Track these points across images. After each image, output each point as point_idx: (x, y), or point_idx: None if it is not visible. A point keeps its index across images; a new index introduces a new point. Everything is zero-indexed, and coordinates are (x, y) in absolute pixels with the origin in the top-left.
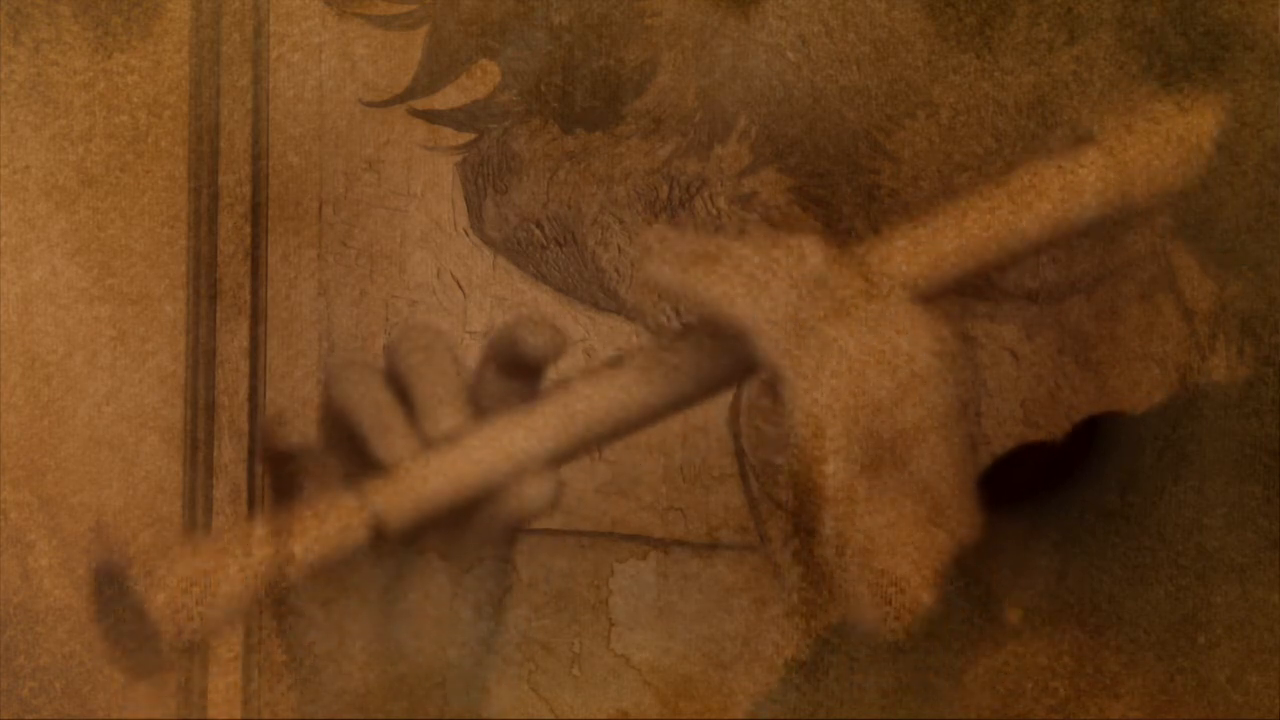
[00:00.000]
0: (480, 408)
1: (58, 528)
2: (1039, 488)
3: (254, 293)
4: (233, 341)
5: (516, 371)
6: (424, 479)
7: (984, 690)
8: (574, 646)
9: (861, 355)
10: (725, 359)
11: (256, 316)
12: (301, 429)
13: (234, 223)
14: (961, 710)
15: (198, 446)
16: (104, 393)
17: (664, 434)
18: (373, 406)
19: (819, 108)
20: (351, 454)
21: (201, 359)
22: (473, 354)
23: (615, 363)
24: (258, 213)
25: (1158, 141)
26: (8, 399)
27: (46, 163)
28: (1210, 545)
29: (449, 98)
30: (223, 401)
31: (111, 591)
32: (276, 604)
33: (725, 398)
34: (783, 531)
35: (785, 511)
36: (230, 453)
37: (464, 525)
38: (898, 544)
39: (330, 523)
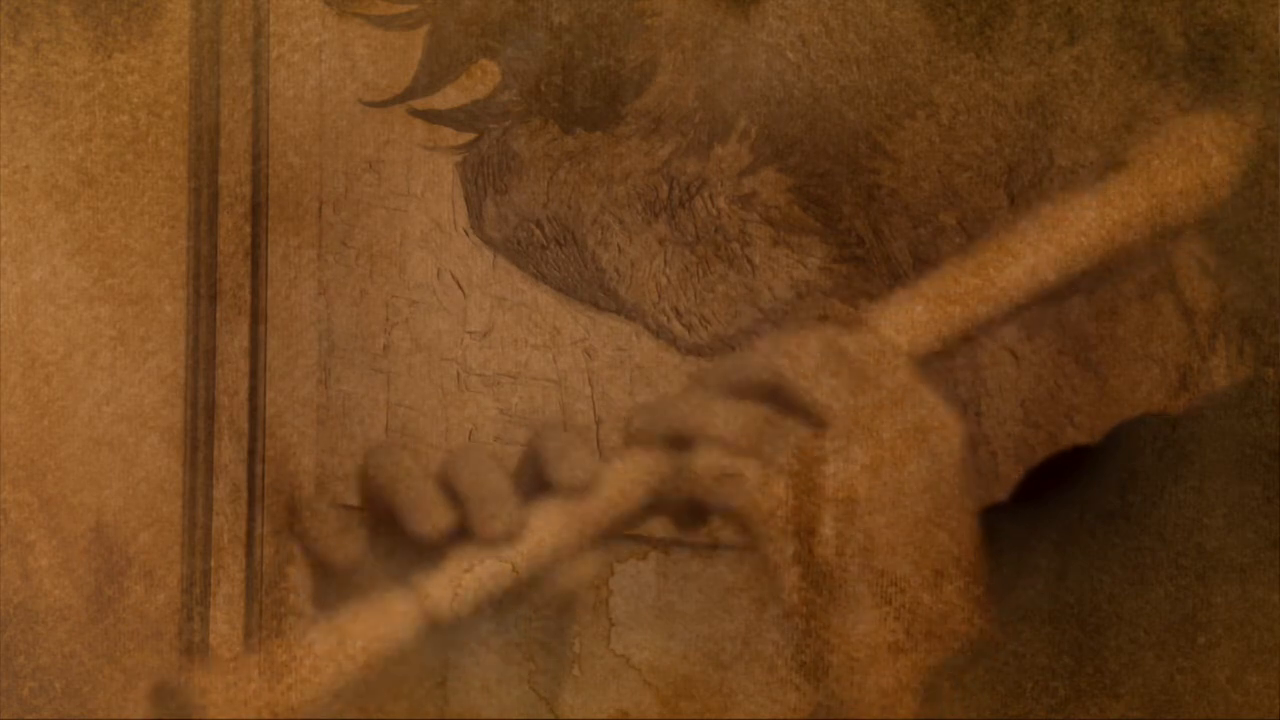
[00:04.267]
0: (527, 493)
1: (58, 528)
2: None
3: (254, 293)
4: (233, 341)
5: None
6: (475, 568)
7: (984, 690)
8: (574, 646)
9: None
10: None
11: (256, 316)
12: (350, 544)
13: (234, 223)
14: (961, 710)
15: (198, 446)
16: (104, 393)
17: None
18: (419, 502)
19: (819, 108)
20: (400, 546)
21: (201, 359)
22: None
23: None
24: (258, 213)
25: (1159, 143)
26: (8, 399)
27: (46, 163)
28: (1210, 545)
29: (449, 98)
30: (223, 401)
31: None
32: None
33: None
34: (783, 531)
35: (785, 511)
36: (230, 453)
37: (517, 607)
38: (897, 544)
39: (383, 621)
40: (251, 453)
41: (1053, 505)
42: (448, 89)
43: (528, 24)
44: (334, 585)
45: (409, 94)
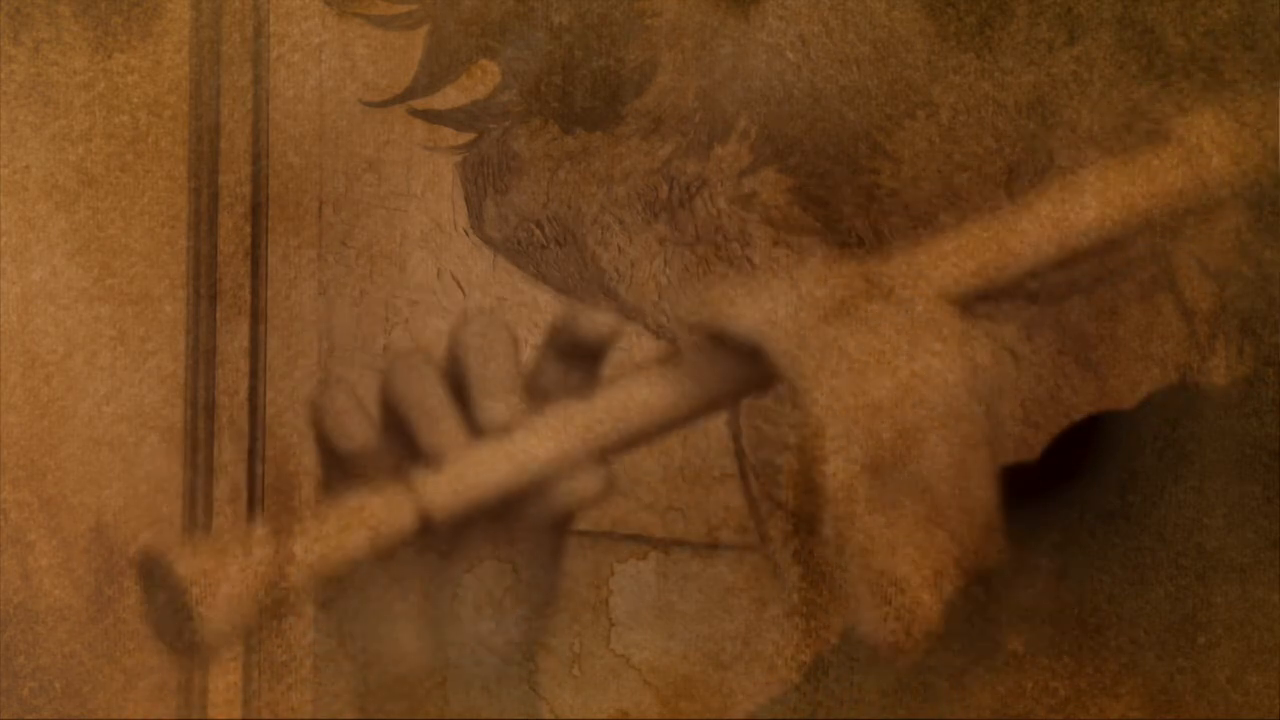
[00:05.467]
0: (537, 398)
1: (58, 528)
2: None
3: (254, 293)
4: (233, 341)
5: (575, 358)
6: (473, 470)
7: (984, 690)
8: (574, 646)
9: (861, 355)
10: (748, 366)
11: (256, 316)
12: (358, 426)
13: (234, 223)
14: (961, 710)
15: (198, 446)
16: (104, 393)
17: None
18: (425, 397)
19: (819, 108)
20: (402, 445)
21: (201, 359)
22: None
23: (665, 359)
24: (258, 213)
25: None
26: (8, 399)
27: (46, 163)
28: (1210, 545)
29: (449, 98)
30: (223, 401)
31: (153, 579)
32: (324, 590)
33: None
34: (783, 531)
35: (785, 511)
36: (230, 453)
37: (514, 517)
38: (898, 544)
39: (377, 513)
40: (251, 453)
41: (1053, 505)
42: (448, 89)
43: (528, 24)
44: (339, 472)
45: (409, 94)
